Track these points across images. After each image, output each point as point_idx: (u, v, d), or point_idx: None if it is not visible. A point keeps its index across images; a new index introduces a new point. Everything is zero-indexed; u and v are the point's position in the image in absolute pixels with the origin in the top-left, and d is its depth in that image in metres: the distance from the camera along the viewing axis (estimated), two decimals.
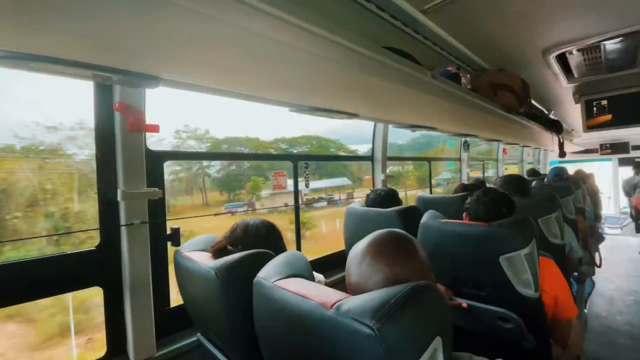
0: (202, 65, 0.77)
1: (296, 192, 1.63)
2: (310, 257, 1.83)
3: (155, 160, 1.16)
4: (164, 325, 1.17)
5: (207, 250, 0.95)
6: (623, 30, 1.39)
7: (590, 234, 2.83)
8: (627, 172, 6.09)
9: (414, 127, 1.82)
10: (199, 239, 1.02)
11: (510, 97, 1.65)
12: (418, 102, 1.26)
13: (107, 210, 1.04)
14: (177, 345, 1.14)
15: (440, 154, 3.94)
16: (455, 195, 1.93)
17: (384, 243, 0.65)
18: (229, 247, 0.89)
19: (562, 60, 1.81)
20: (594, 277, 2.67)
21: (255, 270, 0.72)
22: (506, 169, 4.87)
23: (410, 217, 1.47)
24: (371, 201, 1.67)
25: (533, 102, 2.53)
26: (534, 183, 2.85)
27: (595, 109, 2.56)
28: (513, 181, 1.76)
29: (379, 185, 2.21)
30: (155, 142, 1.19)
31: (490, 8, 1.22)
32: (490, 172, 4.63)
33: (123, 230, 1.03)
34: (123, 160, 1.03)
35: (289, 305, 0.57)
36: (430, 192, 3.07)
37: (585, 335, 2.13)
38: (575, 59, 1.80)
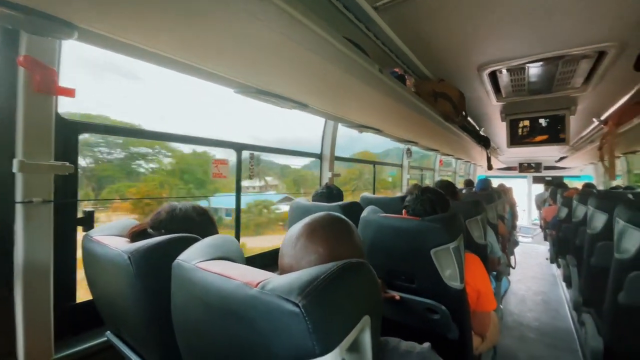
0: (131, 18, 0.67)
1: (238, 182, 1.54)
2: (252, 252, 1.76)
3: (68, 131, 1.00)
4: (67, 323, 1.00)
5: (123, 235, 0.84)
6: (543, 55, 1.59)
7: (507, 239, 3.17)
8: (539, 188, 7.05)
9: (361, 127, 1.86)
10: (116, 223, 0.90)
11: (449, 106, 1.78)
12: (366, 98, 1.28)
13: None
14: (81, 347, 0.99)
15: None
16: (397, 196, 2.02)
17: (320, 224, 0.62)
18: (149, 231, 0.78)
19: (494, 78, 2.00)
20: (509, 278, 2.98)
21: (177, 256, 0.65)
22: (442, 179, 5.26)
23: (353, 212, 1.48)
24: (318, 196, 1.66)
25: (467, 117, 2.76)
26: (464, 191, 3.13)
27: (517, 127, 2.90)
28: (444, 186, 1.90)
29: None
30: (71, 111, 1.03)
31: (435, 17, 1.30)
32: (427, 181, 4.97)
33: (18, 208, 0.86)
34: (24, 125, 0.86)
35: (210, 288, 0.50)
36: (374, 194, 3.18)
37: (501, 328, 2.36)
38: (504, 78, 2.01)
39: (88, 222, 1.03)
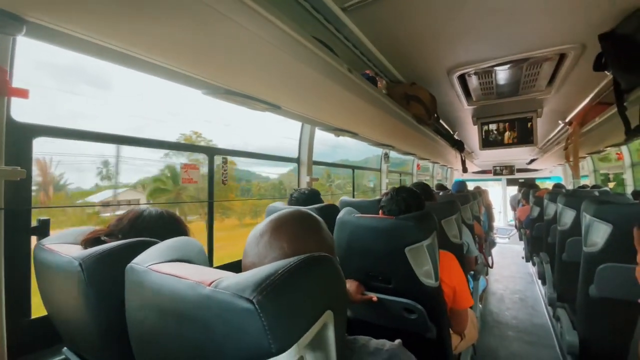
0: (86, 10, 0.64)
1: (211, 187, 1.50)
2: (227, 260, 1.70)
3: (21, 135, 0.93)
4: (21, 340, 0.92)
5: (77, 242, 0.78)
6: (509, 58, 1.66)
7: (484, 239, 3.24)
8: (513, 190, 7.32)
9: (337, 130, 1.87)
10: (71, 231, 0.84)
11: (421, 109, 1.82)
12: (339, 100, 1.27)
13: None
14: None
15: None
16: (375, 199, 2.02)
17: (285, 220, 0.60)
18: (103, 238, 0.73)
19: (463, 82, 2.07)
20: (487, 277, 3.04)
21: None
22: None
23: (330, 214, 1.47)
24: (294, 200, 1.64)
25: (441, 121, 2.83)
26: (440, 194, 3.20)
27: (488, 130, 3.00)
28: (420, 187, 1.92)
29: (304, 187, 2.19)
30: (24, 113, 0.97)
31: (404, 19, 1.32)
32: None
33: None
34: None
35: (162, 291, 0.47)
36: (353, 197, 3.18)
37: (479, 327, 2.39)
38: (473, 82, 2.07)
39: (43, 231, 0.96)
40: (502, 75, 1.97)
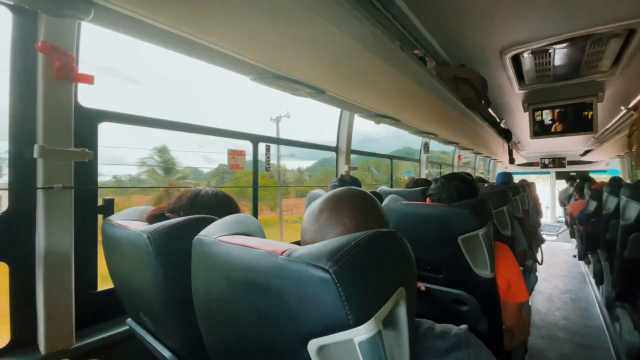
0: None
1: (255, 174, 1.53)
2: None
3: (88, 120, 1.00)
4: (87, 311, 1.00)
5: (141, 219, 0.82)
6: (570, 34, 1.51)
7: (533, 235, 3.04)
8: (562, 184, 6.77)
9: (378, 117, 1.82)
10: (135, 209, 0.89)
11: (470, 92, 1.71)
12: (386, 81, 1.23)
13: (20, 170, 0.87)
14: (102, 336, 0.98)
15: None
16: (416, 189, 1.95)
17: (344, 196, 0.58)
18: (167, 214, 0.76)
19: (516, 63, 1.92)
20: (536, 274, 2.85)
21: None
22: None
23: None
24: (332, 188, 1.63)
25: (490, 104, 2.66)
26: (485, 185, 3.03)
27: (541, 117, 2.77)
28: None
29: None
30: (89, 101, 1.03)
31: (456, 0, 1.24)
32: None
33: (39, 194, 0.86)
34: (44, 111, 0.86)
35: (232, 260, 0.48)
36: (391, 187, 3.11)
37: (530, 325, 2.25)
38: (527, 63, 1.92)
39: (108, 210, 1.03)
40: (561, 54, 1.80)
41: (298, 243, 0.52)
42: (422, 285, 1.17)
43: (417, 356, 0.50)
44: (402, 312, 0.42)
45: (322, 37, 0.89)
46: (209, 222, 0.69)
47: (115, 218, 0.82)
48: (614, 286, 2.24)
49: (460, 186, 1.22)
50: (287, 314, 0.41)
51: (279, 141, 1.69)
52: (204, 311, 0.57)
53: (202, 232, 0.57)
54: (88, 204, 1.01)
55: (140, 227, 0.69)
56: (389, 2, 1.15)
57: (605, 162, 6.35)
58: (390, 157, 2.96)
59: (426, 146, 3.35)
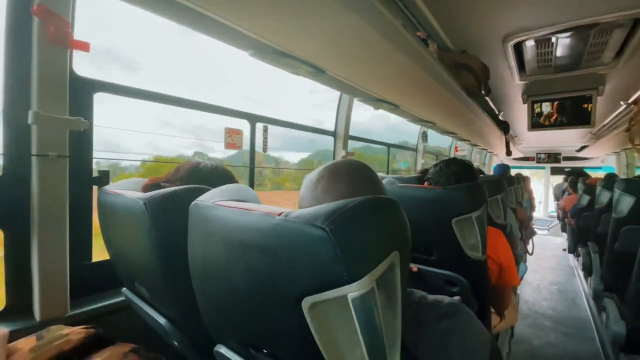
0: None
1: (252, 153, 1.52)
2: None
3: (83, 89, 0.98)
4: (82, 282, 1.00)
5: (137, 189, 0.82)
6: (574, 23, 1.49)
7: (525, 226, 3.08)
8: (557, 180, 6.84)
9: (378, 101, 1.80)
10: (130, 180, 0.88)
11: (471, 78, 1.70)
12: (387, 61, 1.21)
13: (14, 136, 0.85)
14: (97, 305, 0.99)
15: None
16: (412, 176, 1.96)
17: (343, 166, 0.59)
18: (163, 184, 0.76)
19: (518, 52, 1.90)
20: (525, 264, 2.91)
21: None
22: None
23: None
24: None
25: (487, 98, 2.66)
26: (481, 176, 3.04)
27: (540, 109, 2.77)
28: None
29: None
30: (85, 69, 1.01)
31: None
32: None
33: (34, 161, 0.85)
34: (39, 76, 0.84)
35: (228, 223, 0.48)
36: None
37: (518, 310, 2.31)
38: (529, 52, 1.90)
39: (104, 181, 1.02)
40: (564, 44, 1.78)
41: None
42: (414, 267, 1.19)
43: (408, 321, 0.51)
44: (396, 275, 0.43)
45: (323, 11, 0.87)
46: (205, 192, 0.69)
47: (111, 187, 0.82)
48: (602, 278, 2.29)
49: (458, 170, 1.23)
50: (282, 272, 0.41)
51: (277, 122, 1.67)
52: (200, 275, 0.57)
53: (200, 198, 0.57)
54: (83, 174, 1.00)
55: (137, 195, 0.69)
56: None
57: (601, 159, 6.40)
58: (388, 145, 2.96)
59: (424, 135, 3.35)
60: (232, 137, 1.41)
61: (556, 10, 1.42)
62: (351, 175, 0.56)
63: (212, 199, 0.55)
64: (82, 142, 0.98)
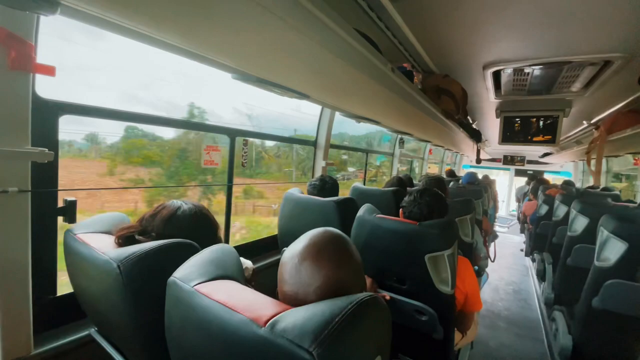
0: None
1: (231, 170, 1.48)
2: (241, 242, 1.72)
3: (47, 113, 0.90)
4: (47, 316, 0.96)
5: (112, 232, 0.78)
6: (550, 59, 1.56)
7: (490, 233, 3.26)
8: (520, 181, 7.27)
9: (360, 118, 1.81)
10: (102, 218, 0.84)
11: (451, 104, 1.74)
12: (370, 93, 1.22)
13: None
14: (62, 342, 0.95)
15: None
16: (388, 189, 2.00)
17: (324, 245, 0.58)
18: (137, 237, 0.72)
19: (496, 77, 1.97)
20: (487, 270, 3.10)
21: (172, 264, 0.60)
22: (429, 167, 5.33)
23: (347, 208, 1.47)
24: (312, 187, 1.63)
25: (467, 115, 2.74)
26: (451, 184, 3.17)
27: (511, 125, 2.90)
28: (434, 183, 1.89)
29: (319, 171, 2.17)
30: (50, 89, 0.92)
31: (449, 14, 1.23)
32: (417, 170, 5.03)
33: None
34: None
35: (211, 318, 0.47)
36: (365, 182, 3.17)
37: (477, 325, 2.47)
38: (506, 77, 1.97)
39: (70, 212, 0.95)
40: (539, 73, 1.87)
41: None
42: (387, 295, 1.24)
43: None
44: None
45: (308, 53, 0.86)
46: (182, 247, 0.67)
47: (79, 230, 0.77)
48: (553, 288, 2.49)
49: (432, 202, 1.27)
50: None
51: (257, 135, 1.63)
52: (178, 351, 0.56)
53: (178, 274, 0.56)
54: (47, 206, 0.93)
55: (109, 252, 0.65)
56: (384, 13, 1.11)
57: (560, 165, 6.87)
58: (366, 151, 2.99)
59: (402, 141, 3.41)
60: (210, 154, 1.36)
61: (535, 48, 1.48)
62: (335, 257, 0.56)
63: (193, 279, 0.53)
64: (46, 171, 0.91)
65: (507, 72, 1.85)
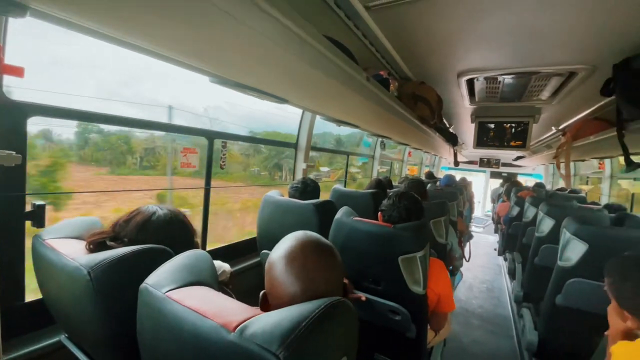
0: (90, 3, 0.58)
1: (209, 172, 1.47)
2: (219, 245, 1.71)
3: (15, 114, 0.87)
4: (15, 322, 0.92)
5: (83, 238, 0.76)
6: (520, 69, 1.65)
7: (465, 233, 3.38)
8: (495, 182, 7.56)
9: (339, 122, 1.84)
10: (72, 222, 0.82)
11: (427, 110, 1.81)
12: (348, 100, 1.25)
13: None
14: (32, 348, 0.92)
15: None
16: (367, 191, 2.05)
17: (314, 248, 0.59)
18: (109, 243, 0.71)
19: (470, 84, 2.05)
20: (461, 270, 3.21)
21: (144, 271, 0.60)
22: (409, 169, 5.45)
23: (326, 211, 1.49)
24: (293, 190, 1.64)
25: (443, 120, 2.83)
26: (429, 186, 3.27)
27: (485, 130, 3.03)
28: (415, 186, 1.95)
29: (299, 174, 2.18)
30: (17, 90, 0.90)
31: (425, 24, 1.28)
32: (396, 171, 5.13)
33: None
34: None
35: (182, 324, 0.48)
36: (345, 184, 3.21)
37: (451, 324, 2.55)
38: (479, 85, 2.06)
39: (38, 216, 0.93)
40: (509, 82, 1.96)
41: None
42: (363, 296, 1.27)
43: None
44: None
45: (281, 58, 0.88)
46: (154, 253, 0.67)
47: (49, 235, 0.76)
48: (522, 286, 2.61)
49: (410, 206, 1.32)
50: None
51: (236, 137, 1.63)
52: (150, 354, 0.57)
53: (150, 280, 0.56)
54: (14, 211, 0.90)
55: (79, 258, 0.64)
56: (361, 22, 1.14)
57: (532, 168, 7.20)
58: (347, 154, 3.03)
59: (382, 144, 3.47)
60: (187, 157, 1.35)
61: (506, 58, 1.56)
62: (324, 264, 0.58)
63: (165, 285, 0.54)
64: (12, 174, 0.88)
65: (480, 80, 1.93)
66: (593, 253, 1.54)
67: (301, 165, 2.13)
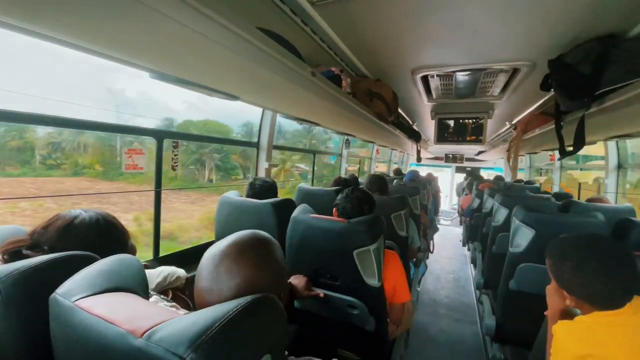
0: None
1: (159, 174, 1.40)
2: (175, 249, 1.64)
3: None
4: None
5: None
6: (469, 66, 1.72)
7: (429, 226, 3.49)
8: (460, 177, 7.90)
9: (299, 120, 1.83)
10: None
11: (383, 107, 1.84)
12: (300, 97, 1.24)
13: None
14: None
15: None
16: (331, 189, 2.06)
17: (246, 245, 0.59)
18: (25, 252, 0.65)
19: (426, 82, 2.11)
20: (426, 261, 3.31)
21: (65, 280, 0.55)
22: (377, 166, 5.56)
23: (285, 209, 1.47)
24: (250, 189, 1.61)
25: (400, 111, 2.90)
26: (395, 182, 3.34)
27: (444, 126, 3.14)
28: (376, 181, 1.99)
29: (262, 173, 2.15)
30: None
31: (373, 19, 1.30)
32: (365, 168, 5.21)
33: None
34: None
35: (89, 335, 0.44)
36: (312, 183, 3.20)
37: (416, 309, 2.61)
38: (434, 82, 2.13)
39: None
40: (462, 79, 2.04)
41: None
42: (321, 292, 1.27)
43: None
44: None
45: (224, 56, 0.85)
46: (76, 261, 0.62)
47: None
48: (483, 274, 2.73)
49: (362, 197, 1.35)
50: None
51: (188, 137, 1.57)
52: None
53: (61, 289, 0.52)
54: None
55: None
56: (308, 18, 1.13)
57: (493, 161, 7.59)
58: (313, 152, 3.03)
59: (347, 142, 3.51)
60: (132, 158, 1.28)
61: (454, 56, 1.62)
62: (255, 260, 0.57)
63: (76, 294, 0.50)
64: None
65: (434, 77, 1.99)
66: (540, 238, 1.63)
67: (263, 165, 2.09)
